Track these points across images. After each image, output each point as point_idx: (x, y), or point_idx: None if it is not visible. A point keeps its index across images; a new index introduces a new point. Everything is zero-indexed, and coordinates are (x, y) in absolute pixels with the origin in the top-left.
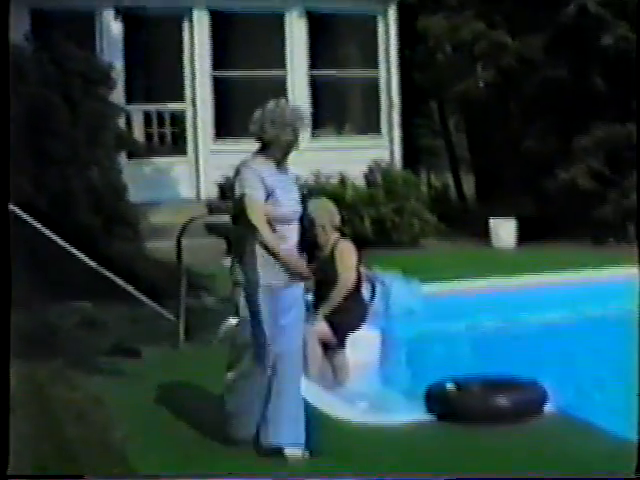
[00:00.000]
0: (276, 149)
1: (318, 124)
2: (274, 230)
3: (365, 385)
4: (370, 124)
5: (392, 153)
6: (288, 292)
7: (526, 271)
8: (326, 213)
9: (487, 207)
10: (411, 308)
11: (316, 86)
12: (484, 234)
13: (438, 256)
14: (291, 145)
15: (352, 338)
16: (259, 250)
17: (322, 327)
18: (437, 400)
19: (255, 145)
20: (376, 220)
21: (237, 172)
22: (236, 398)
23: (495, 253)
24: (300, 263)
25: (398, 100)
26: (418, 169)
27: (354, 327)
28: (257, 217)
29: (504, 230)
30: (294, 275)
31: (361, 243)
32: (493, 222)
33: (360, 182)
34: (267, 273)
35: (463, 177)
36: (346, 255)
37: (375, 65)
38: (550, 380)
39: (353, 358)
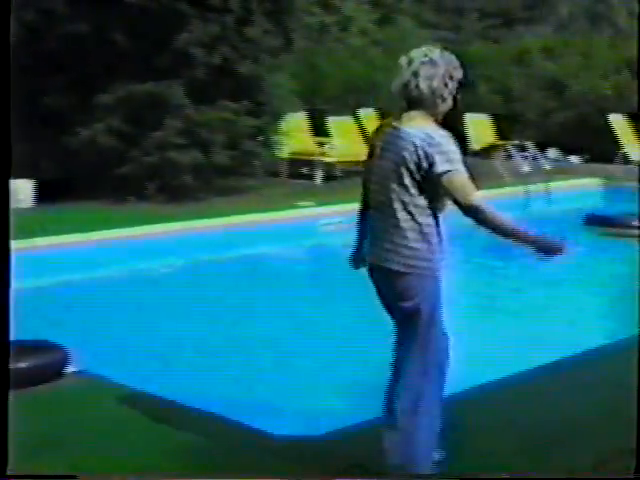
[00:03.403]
0: (441, 111)
1: None
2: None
3: None
4: None
5: None
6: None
7: (45, 232)
8: None
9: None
10: None
11: None
12: None
13: None
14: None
15: None
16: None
17: None
18: None
19: None
20: None
21: (435, 141)
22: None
23: (14, 214)
24: (542, 236)
25: None
26: None
27: None
28: (477, 196)
29: (21, 190)
30: (546, 251)
31: None
32: (11, 182)
33: None
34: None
35: None
36: None
37: None
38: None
39: None
